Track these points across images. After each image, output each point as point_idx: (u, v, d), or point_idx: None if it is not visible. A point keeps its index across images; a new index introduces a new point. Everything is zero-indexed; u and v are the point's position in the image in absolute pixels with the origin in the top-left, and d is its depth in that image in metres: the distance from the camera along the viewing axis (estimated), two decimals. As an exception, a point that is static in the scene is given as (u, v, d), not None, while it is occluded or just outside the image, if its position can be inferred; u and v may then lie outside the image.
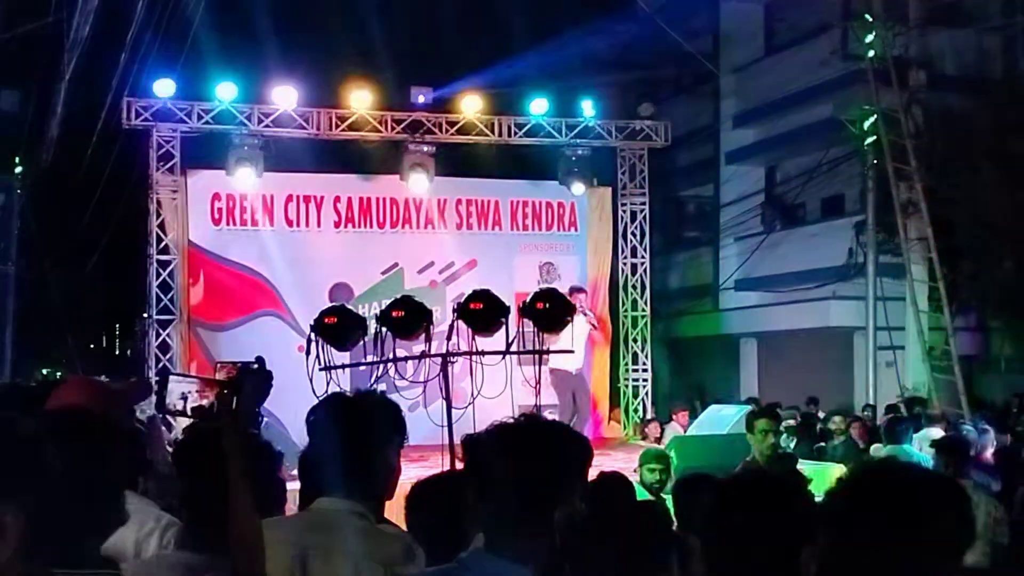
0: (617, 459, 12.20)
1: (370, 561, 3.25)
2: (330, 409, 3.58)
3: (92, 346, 37.33)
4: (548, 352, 10.80)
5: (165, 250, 16.04)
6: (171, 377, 3.09)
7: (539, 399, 10.36)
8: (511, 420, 2.82)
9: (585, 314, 13.96)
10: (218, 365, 3.48)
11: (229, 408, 3.02)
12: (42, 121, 16.90)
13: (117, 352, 38.38)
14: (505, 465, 2.70)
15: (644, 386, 17.91)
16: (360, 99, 16.40)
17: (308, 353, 9.98)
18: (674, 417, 15.83)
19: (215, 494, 2.94)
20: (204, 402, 3.03)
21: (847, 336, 20.34)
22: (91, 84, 16.28)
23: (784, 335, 21.72)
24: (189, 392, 3.06)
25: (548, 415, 12.32)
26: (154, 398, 3.34)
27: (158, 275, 15.99)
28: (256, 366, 3.19)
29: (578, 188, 17.27)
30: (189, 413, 3.07)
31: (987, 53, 19.82)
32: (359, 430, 3.43)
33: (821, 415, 15.49)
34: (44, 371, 25.39)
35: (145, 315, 16.79)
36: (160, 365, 15.85)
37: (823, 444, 13.33)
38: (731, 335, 23.28)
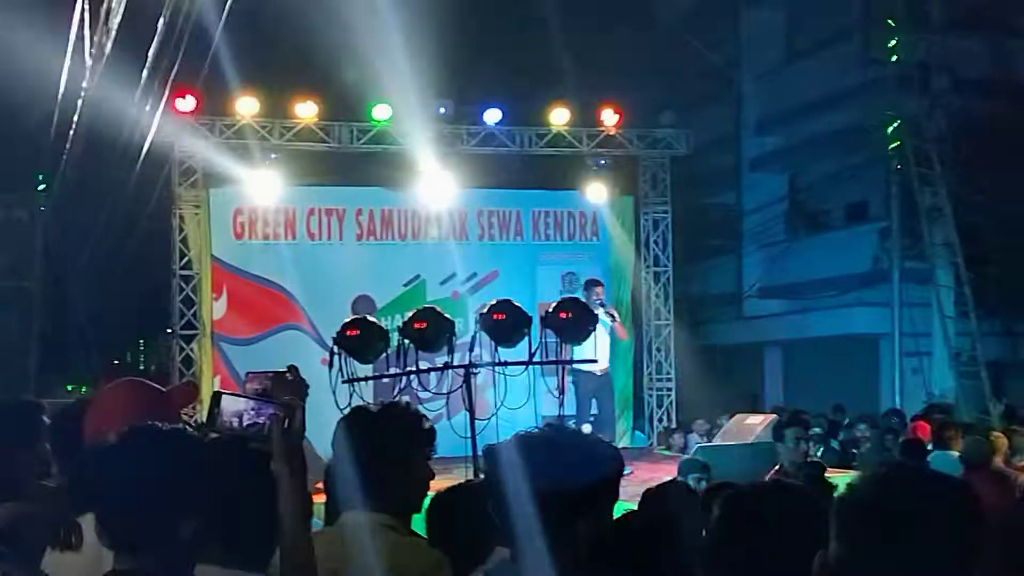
0: (642, 468, 12.14)
1: (403, 574, 3.22)
2: (356, 421, 3.55)
3: (116, 362, 37.47)
4: (572, 363, 10.76)
5: (188, 265, 16.08)
6: (223, 397, 3.06)
7: (563, 409, 10.32)
8: (534, 430, 2.78)
9: (603, 306, 13.50)
10: (248, 375, 3.42)
11: (282, 429, 3.00)
12: (64, 138, 16.95)
13: (141, 368, 38.52)
14: (526, 477, 2.67)
15: (668, 395, 17.83)
16: (381, 112, 16.41)
17: (331, 366, 9.99)
18: (694, 427, 15.78)
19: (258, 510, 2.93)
20: (261, 420, 3.00)
21: (872, 343, 20.22)
22: (113, 100, 16.31)
23: (809, 342, 21.61)
24: (244, 411, 3.04)
25: (571, 424, 12.31)
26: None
27: (181, 290, 16.02)
28: (290, 376, 3.17)
29: (600, 197, 17.22)
30: (242, 433, 3.05)
31: (1010, 57, 19.70)
32: (385, 442, 3.40)
33: (847, 423, 15.39)
34: (68, 387, 25.47)
35: (168, 330, 16.83)
36: (184, 380, 15.87)
37: (853, 451, 13.25)
38: (755, 343, 23.18)
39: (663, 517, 3.39)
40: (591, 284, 13.94)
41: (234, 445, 2.98)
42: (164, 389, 4.17)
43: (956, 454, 9.20)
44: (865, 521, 2.15)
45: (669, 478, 6.09)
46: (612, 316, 13.75)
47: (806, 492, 2.75)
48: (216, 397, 3.06)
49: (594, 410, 13.76)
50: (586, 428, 12.73)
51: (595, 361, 12.54)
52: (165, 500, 2.63)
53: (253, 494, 2.89)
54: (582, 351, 12.64)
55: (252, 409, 3.04)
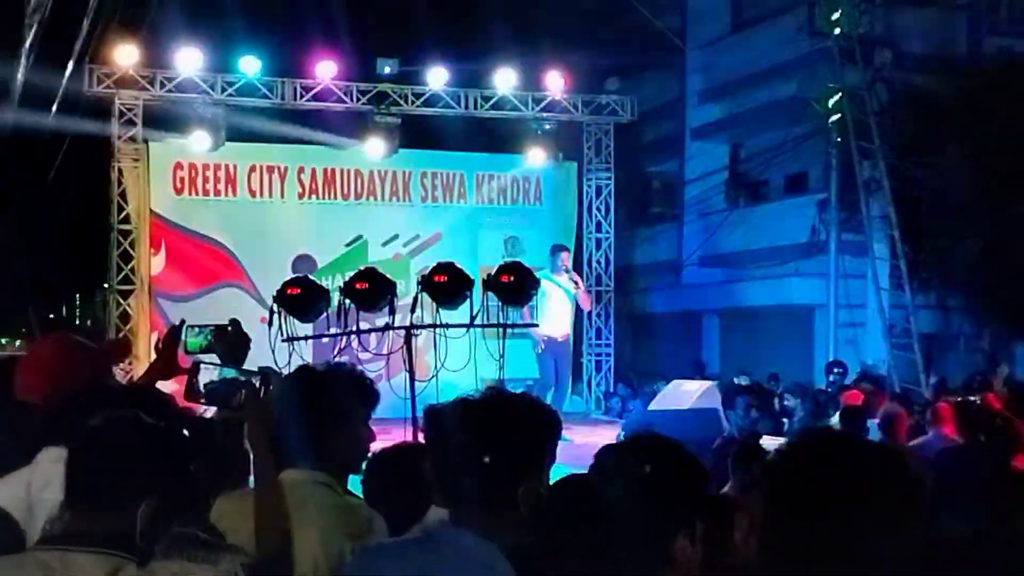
0: (579, 433, 12.25)
1: (336, 532, 3.24)
2: (301, 380, 3.56)
3: (52, 316, 37.08)
4: (512, 326, 10.79)
5: (126, 219, 15.91)
6: (202, 366, 3.10)
7: (503, 373, 10.35)
8: (475, 394, 2.80)
9: (567, 272, 13.73)
10: (188, 327, 3.44)
11: (256, 398, 3.02)
12: (3, 87, 16.65)
13: (77, 322, 38.13)
14: (468, 440, 2.68)
15: (607, 361, 17.96)
16: (325, 69, 16.29)
17: (271, 324, 9.94)
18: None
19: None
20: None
21: (808, 313, 20.44)
22: (53, 50, 16.05)
23: (746, 311, 21.80)
24: (211, 380, 3.08)
25: (534, 388, 12.43)
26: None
27: (119, 244, 15.87)
28: (231, 328, 3.18)
29: (544, 162, 17.24)
30: (219, 402, 3.08)
31: (952, 32, 19.89)
32: (329, 401, 3.41)
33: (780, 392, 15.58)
34: (3, 340, 25.17)
35: (106, 285, 16.66)
36: (121, 335, 15.75)
37: (783, 419, 13.42)
38: (694, 311, 23.35)
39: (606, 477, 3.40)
40: (557, 249, 14.12)
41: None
42: (97, 346, 4.14)
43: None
44: (795, 487, 2.17)
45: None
46: (576, 284, 13.90)
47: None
48: (195, 367, 3.09)
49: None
50: (548, 395, 12.89)
51: (536, 325, 12.63)
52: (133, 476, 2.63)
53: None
54: (543, 316, 13.02)
55: (225, 379, 3.08)
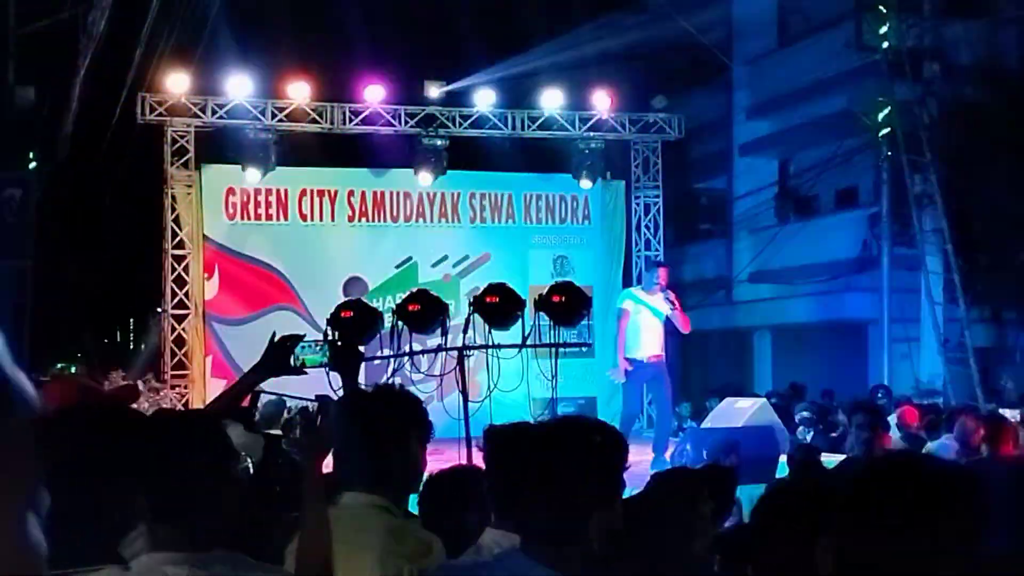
0: (632, 453, 12.22)
1: (394, 554, 3.26)
2: (351, 404, 3.59)
3: (107, 341, 37.50)
4: (564, 345, 10.80)
5: (180, 245, 16.10)
6: (261, 395, 3.16)
7: (555, 393, 10.37)
8: (540, 419, 2.76)
9: (663, 290, 12.76)
10: (301, 344, 3.48)
11: (308, 425, 3.06)
12: (57, 116, 16.94)
13: (132, 347, 38.54)
14: (536, 467, 2.64)
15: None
16: (373, 93, 16.42)
17: (325, 347, 10.00)
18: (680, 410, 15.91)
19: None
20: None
21: (861, 328, 20.28)
22: (106, 79, 16.32)
23: (798, 327, 21.68)
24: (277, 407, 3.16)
25: (564, 407, 12.33)
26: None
27: (173, 269, 16.05)
28: (341, 343, 3.24)
29: (591, 181, 17.26)
30: (275, 431, 3.14)
31: (1002, 44, 19.71)
32: (381, 424, 3.44)
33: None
34: (59, 365, 25.50)
35: (160, 309, 16.85)
36: (175, 359, 15.93)
37: (832, 435, 13.28)
38: (744, 328, 23.24)
39: (670, 503, 3.38)
40: (652, 266, 13.72)
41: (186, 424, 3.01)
42: (104, 390, 4.19)
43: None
44: (873, 506, 2.18)
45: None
46: (673, 303, 12.86)
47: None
48: (255, 395, 3.15)
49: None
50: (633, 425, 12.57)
51: (589, 345, 12.58)
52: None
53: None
54: (636, 339, 12.51)
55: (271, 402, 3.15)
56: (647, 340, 12.59)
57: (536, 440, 2.70)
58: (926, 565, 2.12)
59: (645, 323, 12.58)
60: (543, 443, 2.67)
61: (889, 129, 17.91)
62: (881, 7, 18.06)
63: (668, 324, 12.81)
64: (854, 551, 2.19)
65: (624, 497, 2.91)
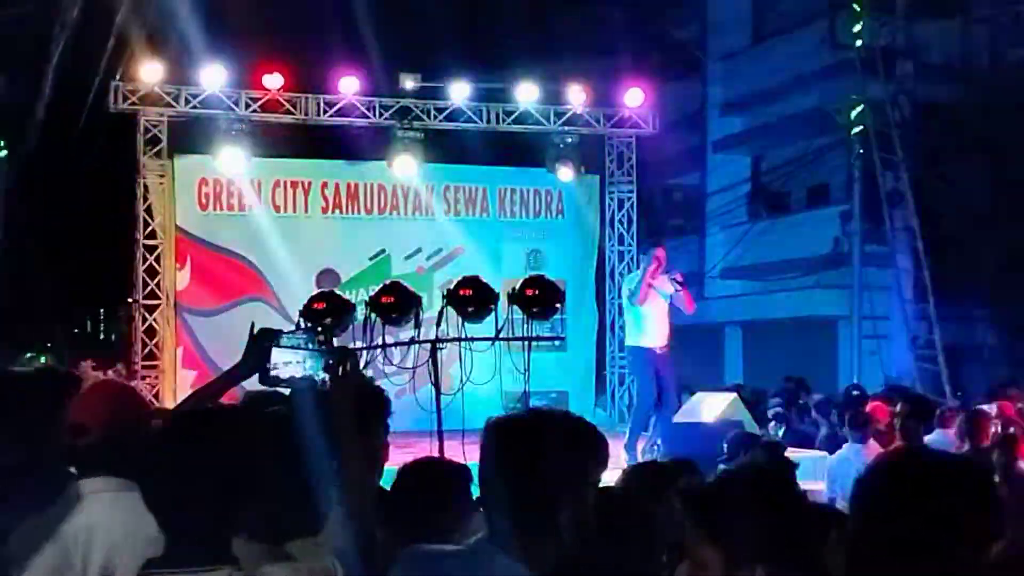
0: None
1: None
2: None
3: (77, 331, 37.27)
4: (537, 339, 10.81)
5: (152, 235, 16.00)
6: (272, 349, 3.16)
7: (528, 386, 10.38)
8: (517, 411, 2.71)
9: (667, 272, 11.73)
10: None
11: (338, 377, 3.07)
12: (29, 104, 16.82)
13: (102, 337, 38.33)
14: (501, 461, 2.61)
15: (630, 374, 17.93)
16: (348, 85, 16.37)
17: (297, 339, 9.98)
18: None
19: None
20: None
21: (832, 325, 20.42)
22: (78, 67, 16.21)
23: (769, 324, 21.80)
24: (288, 361, 3.14)
25: (537, 400, 12.21)
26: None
27: (144, 260, 15.95)
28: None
29: (566, 175, 17.25)
30: (290, 381, 3.14)
31: (974, 43, 19.88)
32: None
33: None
34: (28, 355, 25.34)
35: (131, 299, 16.76)
36: (146, 350, 15.86)
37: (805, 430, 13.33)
38: (716, 323, 23.34)
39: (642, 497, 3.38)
40: (650, 246, 12.72)
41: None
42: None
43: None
44: (887, 504, 2.19)
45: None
46: (679, 283, 11.79)
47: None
48: (266, 351, 3.14)
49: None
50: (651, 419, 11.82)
51: (563, 338, 12.52)
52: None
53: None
54: (635, 327, 11.74)
55: (296, 361, 3.14)
56: (660, 329, 11.69)
57: (500, 434, 2.64)
58: (944, 559, 2.12)
59: (655, 308, 11.65)
60: (506, 437, 2.63)
61: (861, 127, 18.03)
62: (855, 6, 18.19)
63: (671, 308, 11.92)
64: (868, 549, 2.19)
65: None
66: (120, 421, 3.36)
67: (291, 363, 3.18)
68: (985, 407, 10.89)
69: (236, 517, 2.70)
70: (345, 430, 2.96)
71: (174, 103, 15.86)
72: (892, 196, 17.90)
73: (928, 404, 12.30)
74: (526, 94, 17.09)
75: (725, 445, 7.53)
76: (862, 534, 2.20)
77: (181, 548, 2.61)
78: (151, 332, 15.95)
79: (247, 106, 16.00)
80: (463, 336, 10.04)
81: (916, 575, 2.12)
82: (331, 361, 3.09)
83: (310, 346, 3.21)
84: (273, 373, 3.18)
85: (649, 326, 11.65)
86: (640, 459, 10.11)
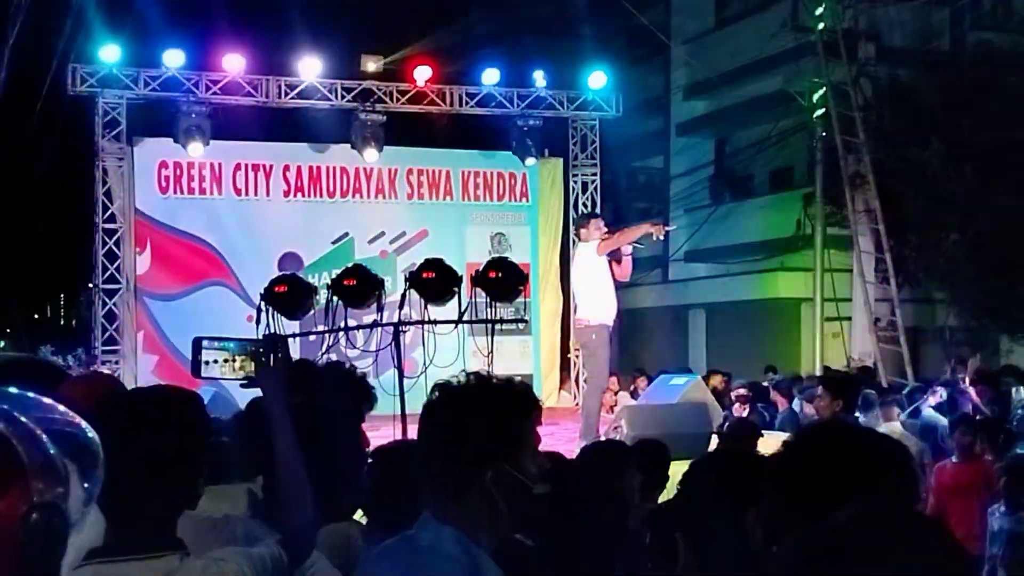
0: (567, 429, 12.27)
1: None
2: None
3: (36, 316, 36.97)
4: (500, 322, 10.79)
5: (111, 218, 15.84)
6: (203, 341, 3.12)
7: (491, 369, 10.32)
8: (451, 379, 2.64)
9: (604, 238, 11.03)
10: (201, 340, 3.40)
11: (264, 367, 3.03)
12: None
13: (62, 322, 38.03)
14: (427, 424, 2.57)
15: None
16: (310, 67, 16.24)
17: (258, 323, 9.94)
18: (628, 386, 15.94)
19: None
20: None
21: (794, 307, 20.53)
22: (35, 49, 16.00)
23: (732, 306, 21.89)
24: (218, 360, 3.10)
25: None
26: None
27: (104, 244, 15.79)
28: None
29: (529, 159, 17.22)
30: (229, 377, 3.10)
31: (935, 26, 19.99)
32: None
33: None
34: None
35: (91, 284, 16.60)
36: (107, 335, 15.72)
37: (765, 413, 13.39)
38: (680, 306, 23.42)
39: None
40: (585, 218, 12.33)
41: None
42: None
43: None
44: (801, 477, 2.20)
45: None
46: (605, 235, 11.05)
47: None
48: (197, 343, 3.10)
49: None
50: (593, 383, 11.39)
51: (526, 321, 12.47)
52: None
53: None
54: (586, 300, 11.15)
55: (225, 359, 3.10)
56: (611, 302, 11.07)
57: (427, 404, 2.59)
58: (858, 530, 2.12)
59: (607, 283, 11.00)
60: (429, 404, 2.58)
61: (824, 110, 18.08)
62: (817, -12, 18.20)
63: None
64: (785, 519, 2.20)
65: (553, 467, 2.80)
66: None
67: (220, 361, 3.13)
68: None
69: (176, 499, 2.67)
70: (276, 418, 2.92)
71: (133, 85, 15.70)
72: (854, 179, 17.98)
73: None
74: (489, 77, 17.02)
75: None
76: (780, 508, 2.22)
77: (121, 535, 2.56)
78: (111, 317, 15.80)
79: (207, 88, 15.84)
80: (426, 319, 10.00)
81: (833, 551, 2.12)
82: (260, 350, 3.06)
83: (237, 338, 3.17)
84: (206, 374, 3.13)
85: (611, 300, 11.04)
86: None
